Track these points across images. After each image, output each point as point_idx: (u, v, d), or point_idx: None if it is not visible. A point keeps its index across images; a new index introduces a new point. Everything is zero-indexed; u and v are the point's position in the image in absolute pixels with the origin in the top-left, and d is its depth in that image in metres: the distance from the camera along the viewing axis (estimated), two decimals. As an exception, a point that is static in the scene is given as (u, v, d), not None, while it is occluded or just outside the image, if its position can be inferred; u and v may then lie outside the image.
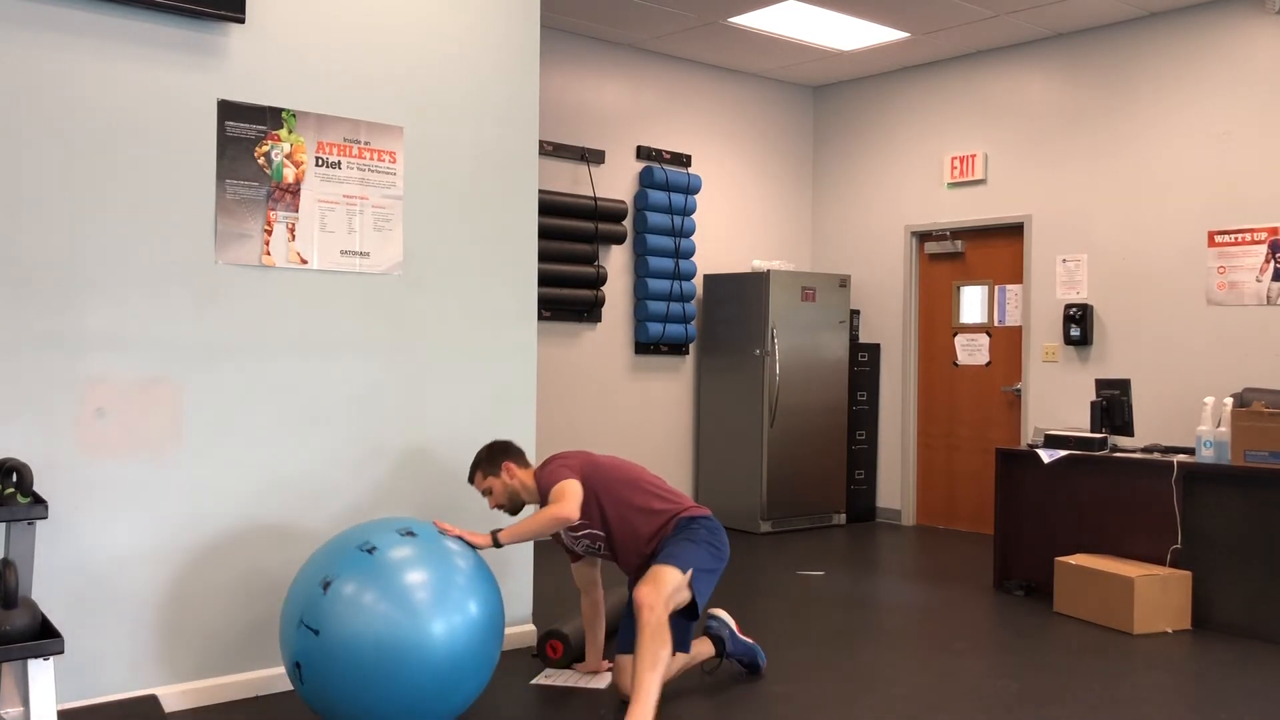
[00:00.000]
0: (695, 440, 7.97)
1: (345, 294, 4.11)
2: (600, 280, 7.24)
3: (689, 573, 3.69)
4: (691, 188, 7.70)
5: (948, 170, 7.70)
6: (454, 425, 4.40)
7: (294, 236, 3.97)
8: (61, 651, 2.87)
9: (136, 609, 3.66)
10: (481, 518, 4.32)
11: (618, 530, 3.87)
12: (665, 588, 3.59)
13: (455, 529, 3.56)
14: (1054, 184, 7.14)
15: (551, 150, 7.11)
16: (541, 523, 3.69)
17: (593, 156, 7.34)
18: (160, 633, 3.71)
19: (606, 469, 3.93)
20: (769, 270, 7.48)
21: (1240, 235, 6.25)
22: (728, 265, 8.08)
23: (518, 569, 4.61)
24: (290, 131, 3.96)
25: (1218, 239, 6.34)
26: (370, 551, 3.29)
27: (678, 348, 7.82)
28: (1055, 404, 7.07)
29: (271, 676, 3.92)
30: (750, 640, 4.24)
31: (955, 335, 7.77)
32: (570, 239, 7.11)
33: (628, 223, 7.53)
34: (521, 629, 4.60)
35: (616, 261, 7.50)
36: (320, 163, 4.04)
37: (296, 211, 3.98)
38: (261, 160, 3.90)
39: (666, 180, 7.58)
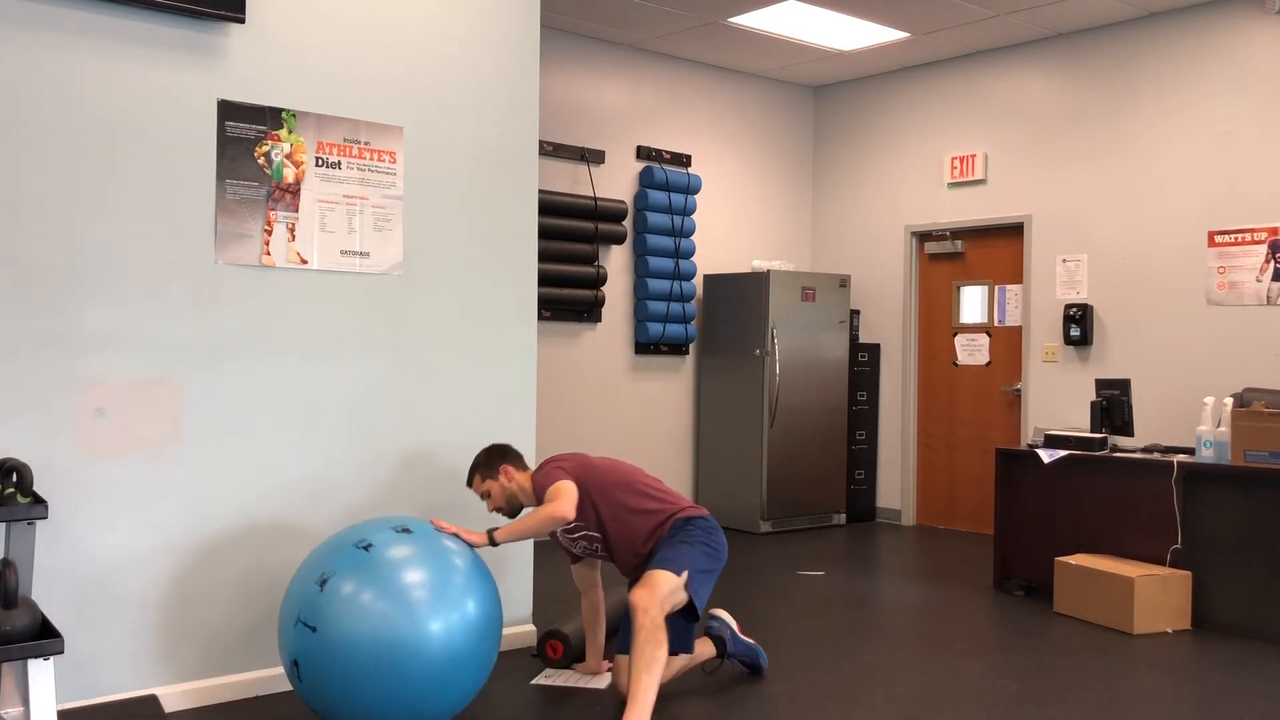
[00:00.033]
0: (695, 440, 7.97)
1: (345, 294, 4.11)
2: (600, 280, 7.24)
3: (684, 574, 3.68)
4: (691, 188, 7.70)
5: (948, 170, 7.70)
6: (454, 425, 4.40)
7: (294, 236, 3.97)
8: (61, 651, 2.87)
9: (136, 609, 3.66)
10: (481, 518, 4.32)
11: (613, 531, 3.87)
12: (660, 591, 3.59)
13: (451, 526, 3.56)
14: (1054, 184, 7.14)
15: (551, 150, 7.11)
16: (537, 521, 3.69)
17: (593, 156, 7.34)
18: (160, 633, 3.71)
19: (601, 471, 3.93)
20: (769, 270, 7.48)
21: (1240, 235, 6.25)
22: (728, 265, 8.08)
23: (518, 569, 4.61)
24: (290, 131, 3.96)
25: (1218, 239, 6.34)
26: (366, 548, 3.30)
27: (678, 348, 7.82)
28: (1055, 404, 7.07)
29: (271, 676, 3.92)
30: (752, 641, 4.24)
31: (955, 335, 7.77)
32: (570, 239, 7.11)
33: (628, 223, 7.53)
34: (521, 629, 4.60)
35: (616, 261, 7.50)
36: (320, 163, 4.04)
37: (296, 211, 3.98)
38: (261, 160, 3.90)
39: (666, 180, 7.58)
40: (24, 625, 2.84)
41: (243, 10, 3.77)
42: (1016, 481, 5.87)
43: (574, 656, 4.28)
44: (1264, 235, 6.16)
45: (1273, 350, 6.11)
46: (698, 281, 7.92)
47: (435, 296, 4.34)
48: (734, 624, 4.23)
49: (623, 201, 7.42)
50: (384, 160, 4.20)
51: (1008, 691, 4.07)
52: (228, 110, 3.83)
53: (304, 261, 4.00)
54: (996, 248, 7.55)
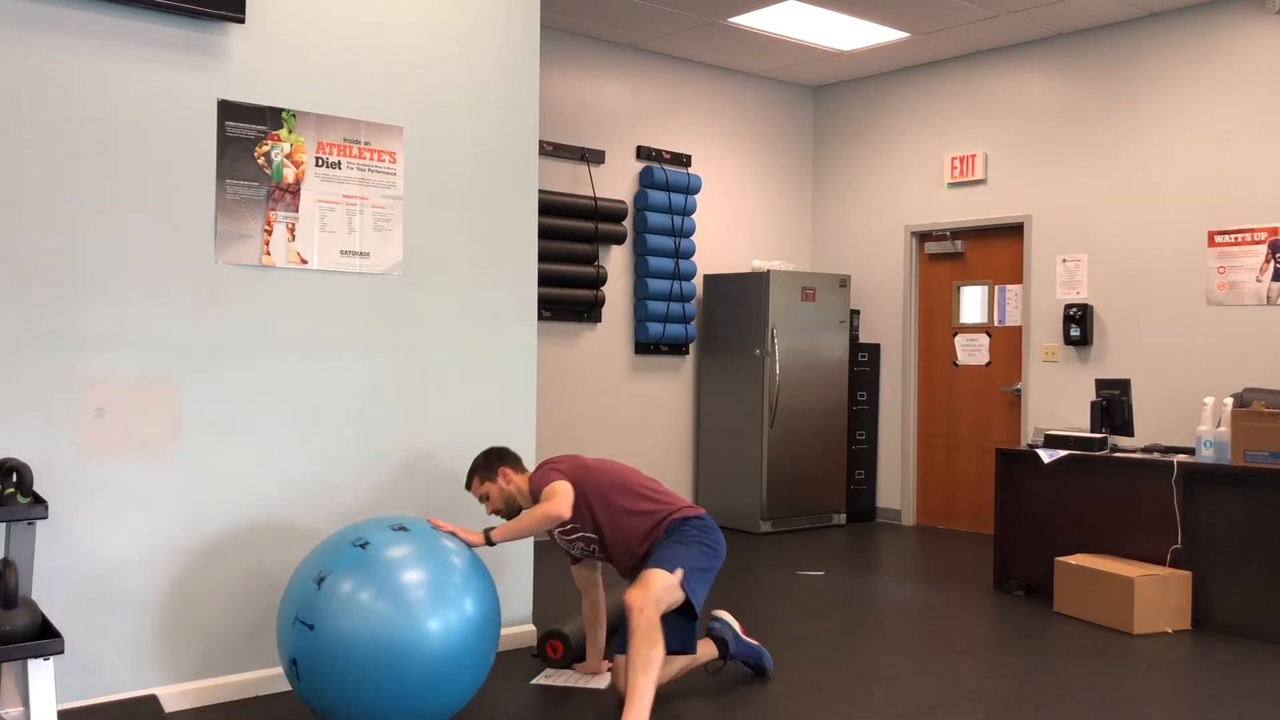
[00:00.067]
0: (695, 440, 7.97)
1: (345, 294, 4.11)
2: (600, 280, 7.24)
3: (678, 573, 3.68)
4: (691, 188, 7.70)
5: (948, 170, 7.70)
6: (454, 425, 4.40)
7: (294, 236, 3.97)
8: (61, 651, 2.87)
9: (137, 609, 3.66)
10: (480, 518, 4.32)
11: (609, 533, 3.88)
12: (654, 589, 3.59)
13: (449, 525, 3.57)
14: (1054, 184, 7.14)
15: (551, 150, 7.11)
16: (533, 520, 3.70)
17: (593, 156, 7.34)
18: (160, 633, 3.71)
19: (597, 472, 3.94)
20: (769, 270, 7.48)
21: (1240, 235, 6.25)
22: (728, 265, 8.08)
23: (517, 569, 4.61)
24: (290, 131, 3.96)
25: (1218, 239, 6.34)
26: (363, 546, 3.30)
27: (678, 348, 7.82)
28: (1055, 404, 7.07)
29: (271, 676, 3.92)
30: (755, 642, 4.22)
31: (955, 335, 7.77)
32: (570, 239, 7.11)
33: (628, 223, 7.53)
34: (521, 629, 4.60)
35: (616, 261, 7.50)
36: (320, 163, 4.04)
37: (296, 211, 3.98)
38: (261, 160, 3.90)
39: (666, 180, 7.58)
40: (24, 625, 2.84)
41: (243, 10, 3.77)
42: (1016, 481, 5.87)
43: (574, 656, 4.28)
44: (1264, 235, 6.16)
45: (1273, 350, 6.11)
46: (698, 281, 7.92)
47: (435, 296, 4.34)
48: (737, 626, 4.22)
49: (623, 201, 7.42)
50: (384, 160, 4.20)
51: (1008, 691, 4.07)
52: (228, 110, 3.83)
53: (304, 261, 4.00)
54: (996, 248, 7.55)
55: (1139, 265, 6.70)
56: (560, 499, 3.73)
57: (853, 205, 8.34)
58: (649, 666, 3.48)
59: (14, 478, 3.03)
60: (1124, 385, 5.67)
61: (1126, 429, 5.63)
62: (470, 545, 3.56)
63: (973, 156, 7.54)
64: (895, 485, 8.06)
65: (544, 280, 6.82)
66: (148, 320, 3.68)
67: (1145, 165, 6.69)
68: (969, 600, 5.56)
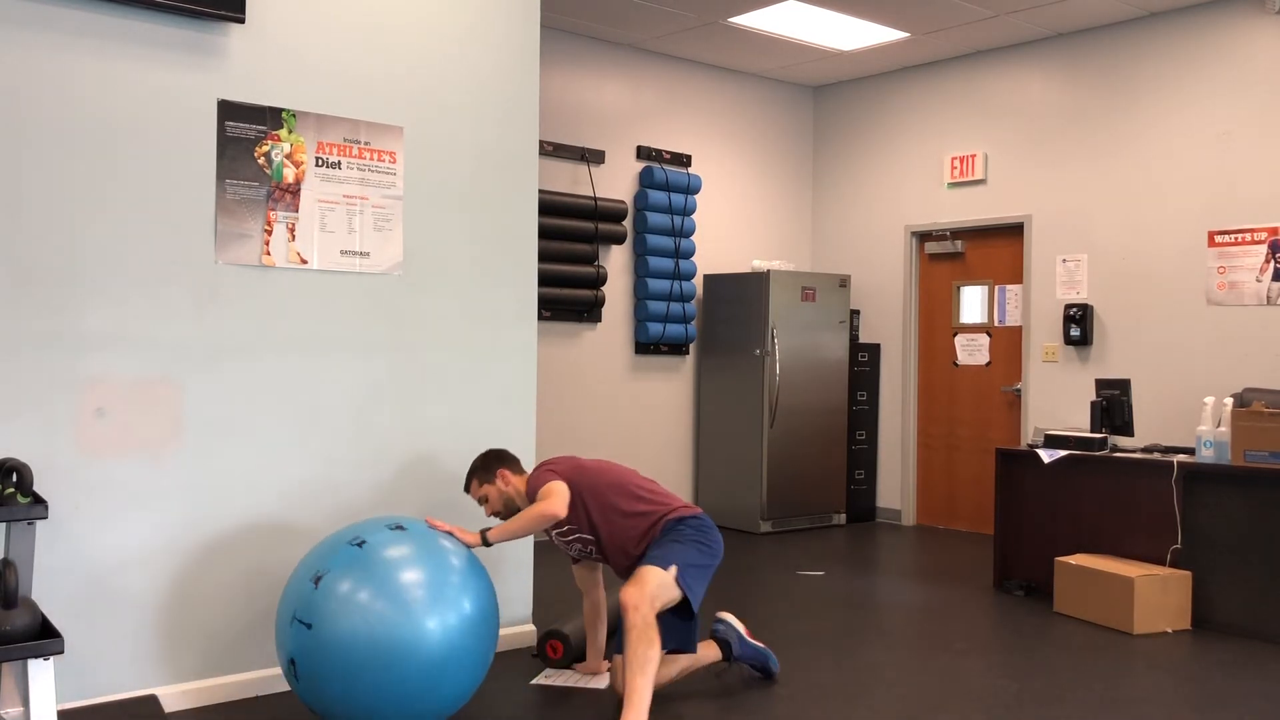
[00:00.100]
0: (695, 440, 7.97)
1: (345, 294, 4.11)
2: (600, 280, 7.24)
3: (673, 569, 3.67)
4: (691, 188, 7.70)
5: (948, 170, 7.70)
6: (454, 425, 4.40)
7: (294, 236, 3.97)
8: (61, 651, 2.87)
9: (136, 609, 3.66)
10: (480, 517, 4.32)
11: (605, 534, 3.88)
12: (648, 586, 3.58)
13: (446, 525, 3.57)
14: (1054, 184, 7.14)
15: (551, 150, 7.11)
16: (529, 520, 3.70)
17: (593, 156, 7.34)
18: (160, 633, 3.71)
19: (592, 473, 3.94)
20: (769, 270, 7.48)
21: (1240, 235, 6.25)
22: (728, 265, 8.08)
23: (517, 569, 4.61)
24: (290, 131, 3.96)
25: (1218, 239, 6.34)
26: (359, 545, 3.30)
27: (678, 348, 7.82)
28: (1055, 404, 7.07)
29: (271, 676, 3.92)
30: (761, 644, 4.20)
31: (955, 335, 7.77)
32: (570, 239, 7.11)
33: (628, 223, 7.53)
34: (521, 629, 4.60)
35: (616, 261, 7.50)
36: (320, 163, 4.04)
37: (296, 211, 3.98)
38: (261, 160, 3.90)
39: (666, 180, 7.58)
40: (24, 625, 2.84)
41: (243, 10, 3.77)
42: (1016, 481, 5.87)
43: (574, 656, 4.28)
44: (1264, 235, 6.16)
45: (1273, 350, 6.11)
46: (698, 281, 7.92)
47: (435, 296, 4.34)
48: (742, 628, 4.19)
49: (623, 201, 7.42)
50: (384, 160, 4.20)
51: (1008, 691, 4.07)
52: (228, 110, 3.83)
53: (304, 261, 4.00)
54: (996, 248, 7.55)
55: (1139, 265, 6.70)
56: (556, 498, 3.74)
57: (853, 205, 8.34)
58: (646, 667, 3.47)
59: (14, 478, 3.03)
60: (1124, 385, 5.67)
61: (1126, 429, 5.63)
62: (467, 546, 3.56)
63: (973, 156, 7.54)
64: (895, 485, 8.06)
65: (544, 280, 6.82)
66: (148, 320, 3.68)
67: (1145, 165, 6.69)
68: (969, 600, 5.56)
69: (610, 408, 7.46)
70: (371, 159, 4.17)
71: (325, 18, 4.05)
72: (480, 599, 3.40)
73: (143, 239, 3.67)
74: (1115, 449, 5.62)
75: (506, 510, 3.98)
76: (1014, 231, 7.40)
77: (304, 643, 3.21)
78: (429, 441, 4.33)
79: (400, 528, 3.42)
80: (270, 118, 3.92)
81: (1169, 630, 5.00)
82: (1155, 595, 4.97)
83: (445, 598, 3.29)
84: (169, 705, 3.70)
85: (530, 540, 4.58)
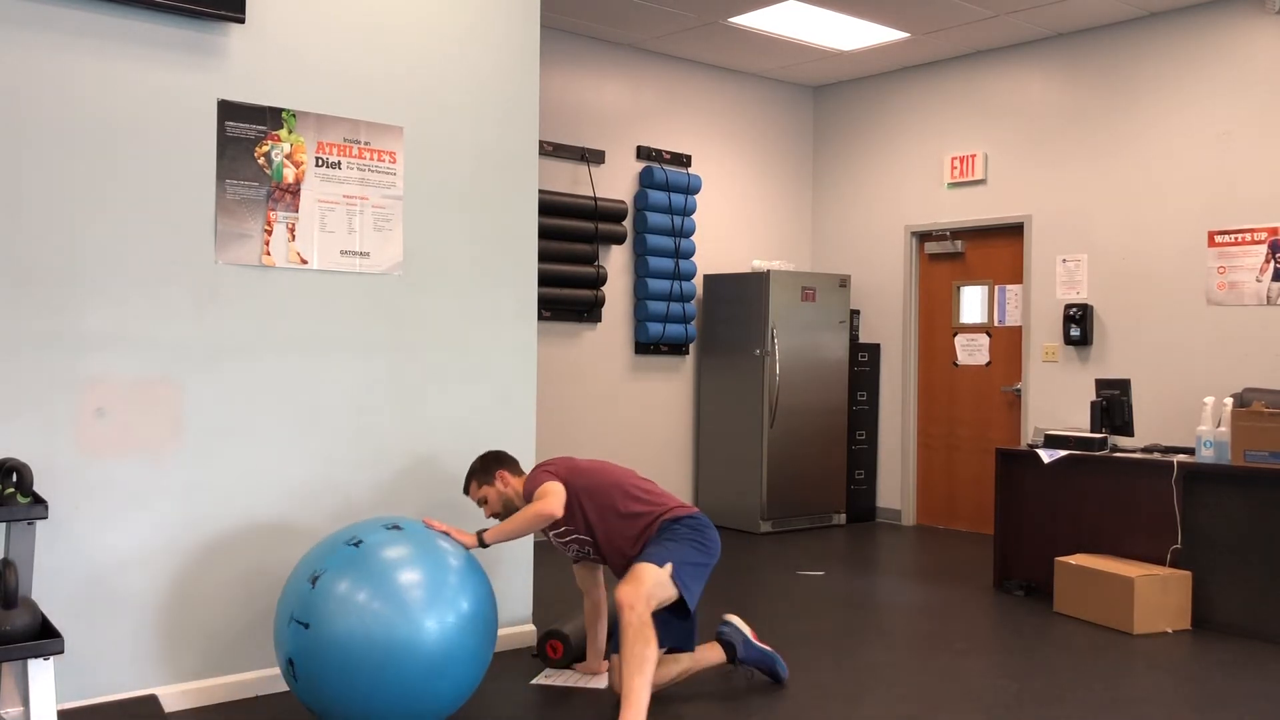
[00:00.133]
0: (695, 440, 7.97)
1: (345, 294, 4.11)
2: (600, 280, 7.24)
3: (668, 567, 3.66)
4: (691, 188, 7.70)
5: (948, 170, 7.70)
6: (454, 425, 4.40)
7: (294, 236, 3.97)
8: (61, 651, 2.87)
9: (136, 609, 3.66)
10: (480, 518, 4.32)
11: (601, 534, 3.87)
12: (643, 584, 3.57)
13: (443, 526, 3.57)
14: (1054, 184, 7.14)
15: (551, 150, 7.11)
16: (525, 520, 3.70)
17: (593, 156, 7.34)
18: (160, 633, 3.71)
19: (589, 474, 3.93)
20: (769, 270, 7.48)
21: (1240, 235, 6.25)
22: (728, 265, 8.08)
23: (517, 569, 4.61)
24: (290, 131, 3.96)
25: (1218, 239, 6.34)
26: (356, 545, 3.30)
27: (678, 348, 7.82)
28: (1055, 404, 7.07)
29: (271, 676, 3.92)
30: (768, 648, 4.16)
31: (955, 335, 7.77)
32: (570, 239, 7.11)
33: (628, 223, 7.53)
34: (521, 629, 4.60)
35: (616, 261, 7.50)
36: (320, 163, 4.04)
37: (296, 211, 3.98)
38: (261, 160, 3.90)
39: (666, 180, 7.58)
40: (24, 625, 2.84)
41: (243, 10, 3.77)
42: (1016, 481, 5.87)
43: (574, 656, 4.28)
44: (1264, 235, 6.16)
45: (1273, 350, 6.11)
46: (698, 281, 7.92)
47: (435, 296, 4.34)
48: (748, 630, 4.16)
49: (623, 201, 7.42)
50: (384, 160, 4.20)
51: (1008, 691, 4.07)
52: (228, 110, 3.83)
53: (304, 261, 4.00)
54: (996, 248, 7.55)
55: (1139, 265, 6.70)
56: (552, 498, 3.74)
57: (853, 205, 8.34)
58: (643, 666, 3.46)
59: (14, 478, 3.03)
60: (1124, 385, 5.67)
61: (1126, 429, 5.63)
62: (464, 547, 3.56)
63: (973, 156, 7.54)
64: (895, 485, 8.06)
65: (544, 280, 6.82)
66: (148, 320, 3.68)
67: (1145, 165, 6.69)
68: (969, 600, 5.56)
69: (610, 408, 7.46)
70: (371, 159, 4.17)
71: (325, 18, 4.05)
72: (478, 599, 3.40)
73: (143, 239, 3.67)
74: (1115, 449, 5.62)
75: (505, 511, 3.98)
76: (1014, 231, 7.40)
77: (302, 643, 3.21)
78: (429, 441, 4.33)
79: (397, 527, 3.42)
80: (270, 118, 3.92)
81: (1169, 630, 5.00)
82: (1155, 595, 4.97)
83: (443, 598, 3.29)
84: (169, 705, 3.70)
85: (530, 540, 4.58)
